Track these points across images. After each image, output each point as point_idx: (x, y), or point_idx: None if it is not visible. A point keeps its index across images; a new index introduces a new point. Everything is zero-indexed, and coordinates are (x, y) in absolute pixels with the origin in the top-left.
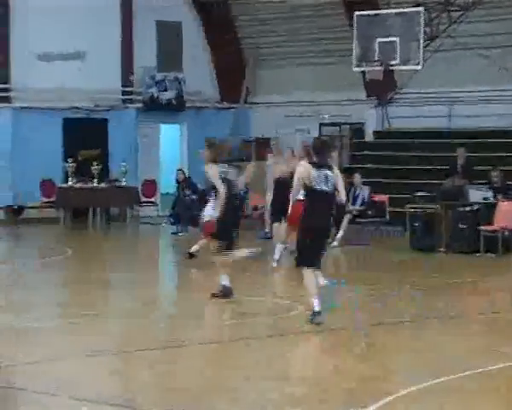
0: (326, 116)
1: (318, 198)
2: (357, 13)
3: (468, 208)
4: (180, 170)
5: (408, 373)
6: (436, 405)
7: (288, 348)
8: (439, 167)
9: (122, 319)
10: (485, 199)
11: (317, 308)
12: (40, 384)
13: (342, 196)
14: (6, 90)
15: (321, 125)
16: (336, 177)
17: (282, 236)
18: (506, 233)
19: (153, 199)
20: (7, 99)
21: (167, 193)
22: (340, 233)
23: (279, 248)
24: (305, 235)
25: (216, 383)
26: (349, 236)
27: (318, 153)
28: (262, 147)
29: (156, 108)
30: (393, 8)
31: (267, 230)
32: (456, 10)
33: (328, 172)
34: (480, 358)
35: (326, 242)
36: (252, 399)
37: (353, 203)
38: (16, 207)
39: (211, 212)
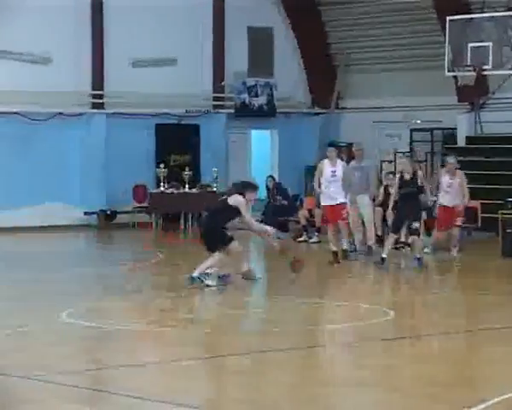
0: (418, 121)
1: None
2: (449, 17)
3: None
4: (270, 176)
5: (496, 381)
6: None
7: (371, 354)
8: None
9: (211, 326)
10: None
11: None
12: (127, 388)
13: None
14: (100, 96)
15: (412, 130)
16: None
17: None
18: None
19: None
20: (101, 105)
21: (258, 198)
22: (432, 239)
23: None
24: None
25: (295, 389)
26: (441, 241)
27: None
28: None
29: (247, 114)
30: (486, 12)
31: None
32: None
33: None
34: None
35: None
36: (332, 405)
37: None
38: (109, 211)
39: None
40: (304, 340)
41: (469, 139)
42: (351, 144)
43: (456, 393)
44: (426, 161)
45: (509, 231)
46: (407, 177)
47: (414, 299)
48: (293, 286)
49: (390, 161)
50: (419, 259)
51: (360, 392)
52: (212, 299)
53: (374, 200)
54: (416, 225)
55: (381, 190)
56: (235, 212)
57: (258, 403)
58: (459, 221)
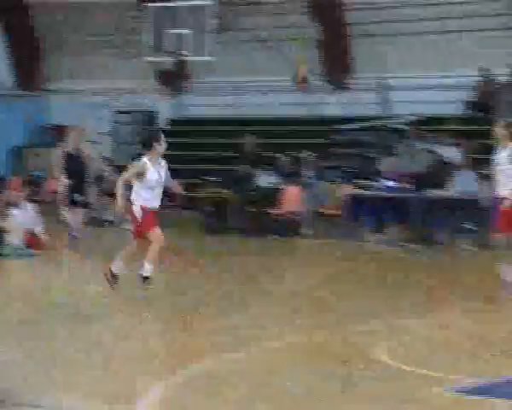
0: (120, 104)
1: None
2: (148, 4)
3: (256, 193)
4: None
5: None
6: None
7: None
8: (229, 154)
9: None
10: (272, 184)
11: None
12: None
13: None
14: None
15: (116, 112)
16: None
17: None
18: (292, 216)
19: None
20: None
21: None
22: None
23: None
24: None
25: None
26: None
27: None
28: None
29: None
30: (184, 0)
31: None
32: (244, 4)
33: None
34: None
35: None
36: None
37: None
38: None
39: None
40: None
41: (171, 122)
42: (65, 126)
43: (160, 363)
44: (129, 142)
45: (208, 208)
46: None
47: None
48: None
49: (93, 142)
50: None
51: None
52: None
53: None
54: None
55: None
56: None
57: None
58: None
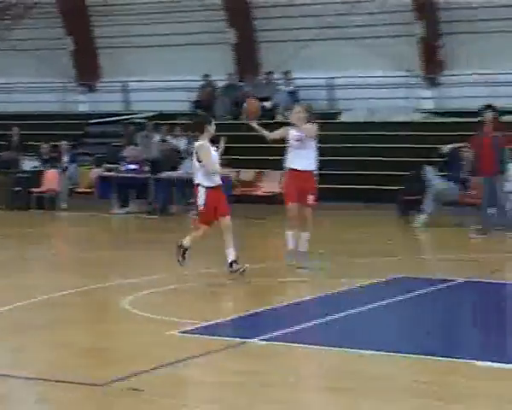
0: None
1: None
2: None
3: (21, 175)
4: None
5: None
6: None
7: None
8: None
9: None
10: (35, 167)
11: None
12: None
13: None
14: None
15: None
16: None
17: None
18: (51, 194)
19: None
20: None
21: None
22: None
23: None
24: None
25: None
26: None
27: None
28: None
29: None
30: None
31: None
32: (8, 19)
33: None
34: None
35: None
36: None
37: None
38: None
39: None
40: None
41: None
42: None
43: None
44: None
45: None
46: None
47: None
48: None
49: None
50: None
51: None
52: None
53: None
54: None
55: None
56: None
57: None
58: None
